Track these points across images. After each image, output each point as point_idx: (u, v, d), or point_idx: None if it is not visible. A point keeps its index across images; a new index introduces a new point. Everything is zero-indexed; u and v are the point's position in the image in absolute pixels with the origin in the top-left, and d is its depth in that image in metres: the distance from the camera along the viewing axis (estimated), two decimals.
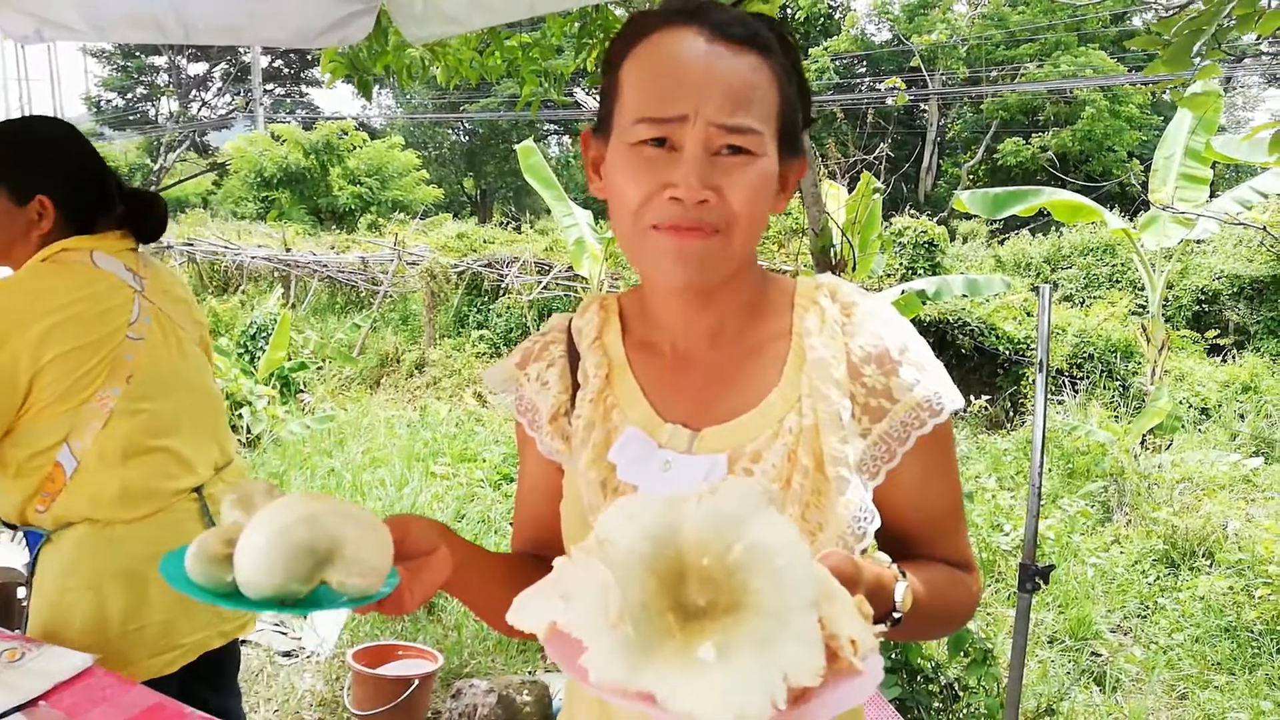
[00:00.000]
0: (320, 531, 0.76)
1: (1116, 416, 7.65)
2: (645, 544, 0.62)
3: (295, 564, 0.76)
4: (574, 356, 1.00)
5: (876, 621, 0.78)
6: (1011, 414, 8.47)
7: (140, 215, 1.84)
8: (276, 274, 12.89)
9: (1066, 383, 8.71)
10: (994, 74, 22.61)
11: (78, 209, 1.75)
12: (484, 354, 9.93)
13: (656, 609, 0.60)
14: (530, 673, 3.45)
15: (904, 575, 0.82)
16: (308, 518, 0.77)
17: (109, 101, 32.56)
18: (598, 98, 0.95)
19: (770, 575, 0.60)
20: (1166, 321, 8.76)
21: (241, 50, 29.01)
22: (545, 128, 28.67)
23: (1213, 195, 7.35)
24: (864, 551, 0.88)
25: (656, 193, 0.83)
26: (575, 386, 0.98)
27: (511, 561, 1.02)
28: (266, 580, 0.75)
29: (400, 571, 0.82)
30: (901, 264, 9.90)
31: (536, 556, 1.04)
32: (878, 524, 0.89)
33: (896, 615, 0.80)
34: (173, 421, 1.78)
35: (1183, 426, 7.65)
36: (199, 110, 32.86)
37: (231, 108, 31.55)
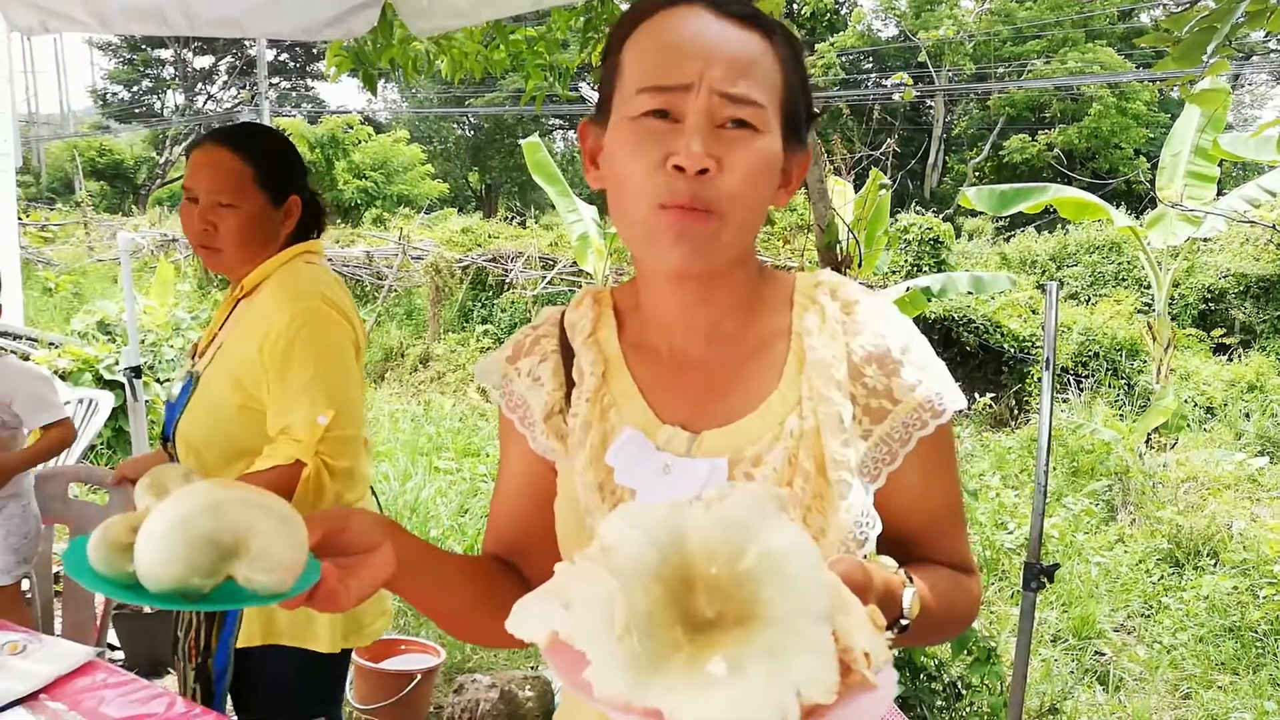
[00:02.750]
0: (225, 522, 0.71)
1: (1121, 415, 7.63)
2: (652, 552, 0.59)
3: (197, 556, 0.70)
4: (567, 352, 0.97)
5: (885, 629, 0.77)
6: (1016, 412, 8.45)
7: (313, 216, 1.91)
8: None
9: (1071, 381, 8.68)
10: (1001, 70, 22.56)
11: (311, 213, 1.84)
12: (488, 349, 9.92)
13: (663, 620, 0.57)
14: (533, 668, 3.45)
15: (911, 580, 0.80)
16: (212, 507, 0.72)
17: (115, 94, 32.66)
18: (597, 90, 0.93)
19: (782, 584, 0.57)
20: (1172, 320, 8.73)
21: (247, 44, 28.94)
22: (550, 122, 28.64)
23: (1220, 193, 7.32)
24: (865, 557, 0.86)
25: (659, 164, 0.81)
26: (569, 383, 0.96)
27: (475, 565, 0.98)
28: (165, 572, 0.70)
29: (329, 567, 0.77)
30: (907, 261, 9.89)
31: (504, 561, 1.01)
32: (879, 529, 0.87)
33: (904, 622, 0.78)
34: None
35: (1188, 425, 7.63)
36: (204, 104, 32.90)
37: (237, 101, 31.56)
